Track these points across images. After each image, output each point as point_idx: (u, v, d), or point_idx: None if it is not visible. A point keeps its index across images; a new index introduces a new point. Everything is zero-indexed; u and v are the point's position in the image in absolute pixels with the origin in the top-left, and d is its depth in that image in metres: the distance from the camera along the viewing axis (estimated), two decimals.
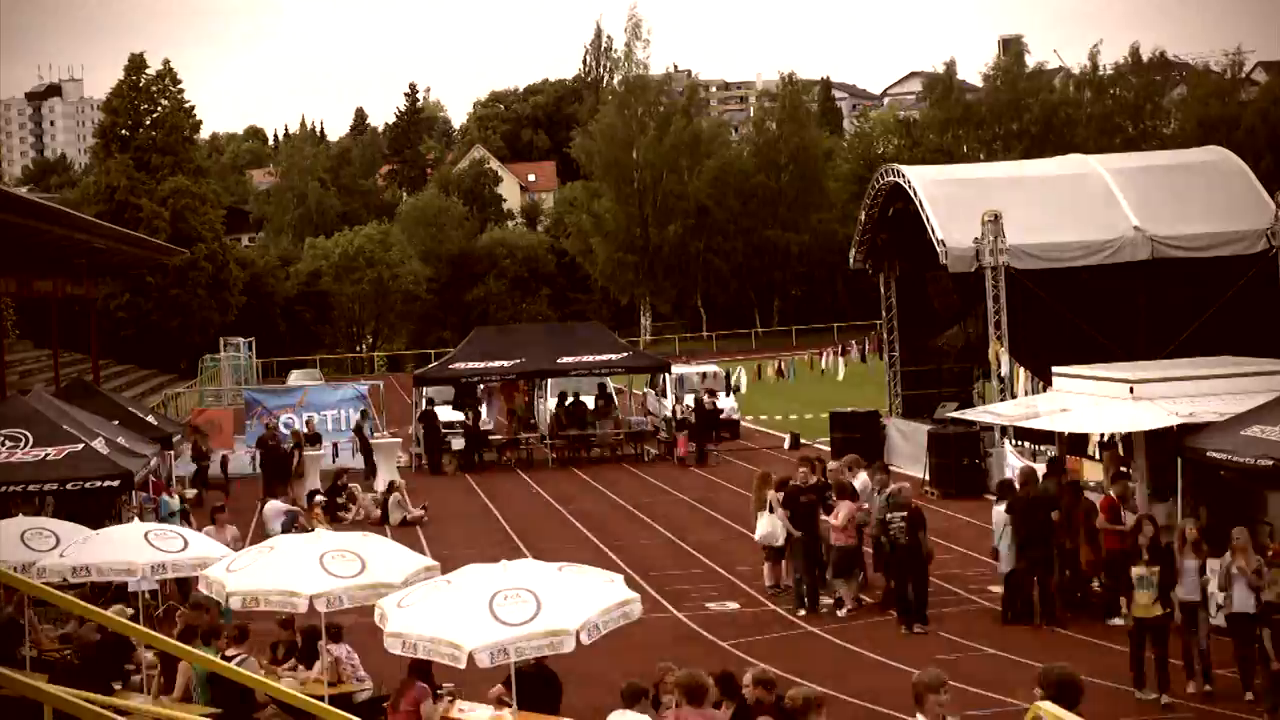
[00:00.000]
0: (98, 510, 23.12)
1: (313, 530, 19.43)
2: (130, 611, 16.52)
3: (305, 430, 37.31)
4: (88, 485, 22.03)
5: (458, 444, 39.39)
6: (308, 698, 9.62)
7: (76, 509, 22.02)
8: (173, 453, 30.51)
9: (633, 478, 36.21)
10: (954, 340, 36.63)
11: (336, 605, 14.31)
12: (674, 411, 39.68)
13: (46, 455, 22.22)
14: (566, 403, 40.71)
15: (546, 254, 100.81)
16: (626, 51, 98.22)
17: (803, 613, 20.61)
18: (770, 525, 21.43)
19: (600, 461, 39.24)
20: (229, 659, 13.87)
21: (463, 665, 11.83)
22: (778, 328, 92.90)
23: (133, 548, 16.17)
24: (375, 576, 14.18)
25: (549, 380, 41.82)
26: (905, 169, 35.01)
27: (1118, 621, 17.88)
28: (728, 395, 44.67)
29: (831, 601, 20.83)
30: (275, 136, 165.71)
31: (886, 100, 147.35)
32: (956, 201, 31.99)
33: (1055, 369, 24.16)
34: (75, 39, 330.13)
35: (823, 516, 20.79)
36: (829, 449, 37.28)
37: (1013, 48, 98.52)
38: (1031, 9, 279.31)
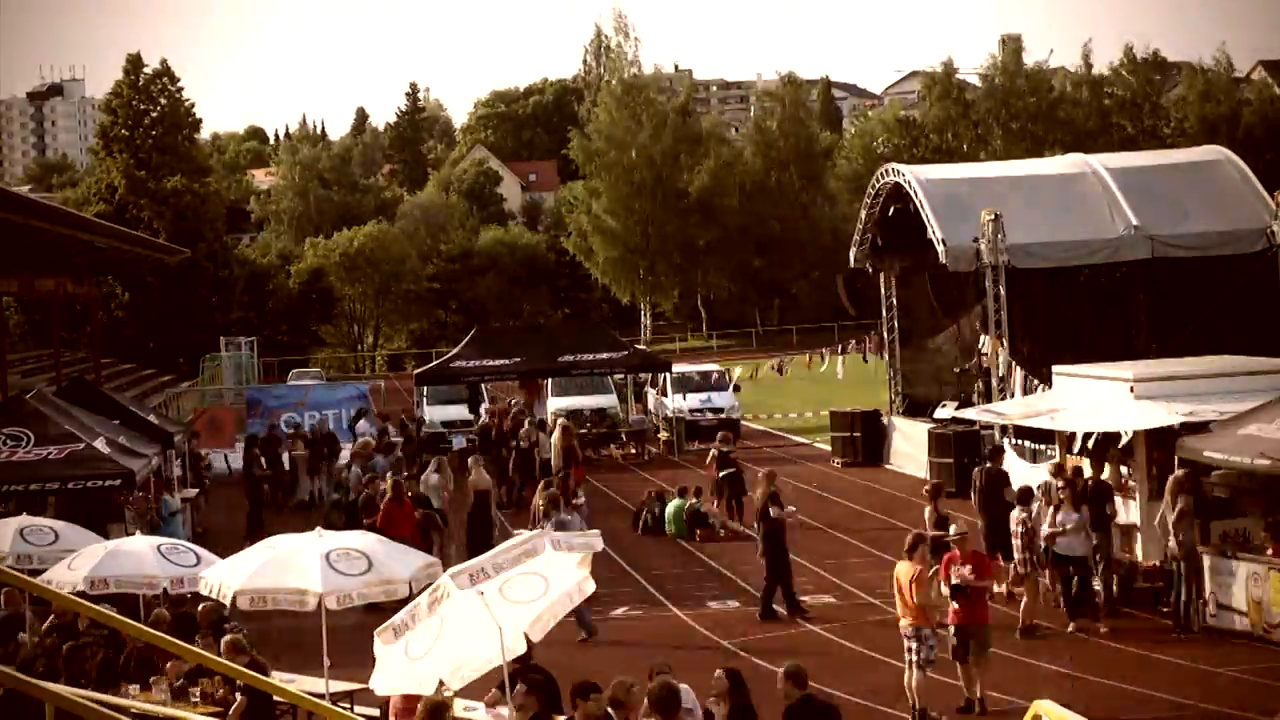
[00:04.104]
0: (99, 510, 23.18)
1: None
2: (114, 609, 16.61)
3: (318, 430, 37.00)
4: (89, 485, 22.06)
5: (458, 443, 39.40)
6: (308, 697, 9.68)
7: (78, 508, 22.08)
8: (173, 452, 30.52)
9: (634, 477, 36.19)
10: (943, 344, 36.63)
11: (347, 603, 14.37)
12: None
13: (48, 454, 22.26)
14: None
15: (547, 253, 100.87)
16: (619, 50, 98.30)
17: None
18: None
19: (600, 462, 39.24)
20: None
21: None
22: (778, 327, 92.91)
23: (149, 562, 16.27)
24: (383, 574, 14.22)
25: (549, 380, 41.86)
26: (905, 168, 34.98)
27: None
28: (721, 394, 44.70)
29: None
30: (275, 136, 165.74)
31: (886, 100, 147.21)
32: (956, 201, 31.98)
33: (1055, 368, 24.17)
34: (76, 39, 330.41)
35: None
36: (829, 448, 37.38)
37: (1011, 46, 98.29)
38: (1031, 8, 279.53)
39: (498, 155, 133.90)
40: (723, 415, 43.67)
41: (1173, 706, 15.93)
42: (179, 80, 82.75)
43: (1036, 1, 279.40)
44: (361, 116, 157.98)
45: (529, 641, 12.21)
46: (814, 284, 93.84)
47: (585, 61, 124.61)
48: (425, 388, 41.38)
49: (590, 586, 12.15)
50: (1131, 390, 20.56)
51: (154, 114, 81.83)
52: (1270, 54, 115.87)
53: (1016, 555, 19.76)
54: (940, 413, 33.38)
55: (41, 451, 22.29)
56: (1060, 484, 20.10)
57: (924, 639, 15.68)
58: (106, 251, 39.47)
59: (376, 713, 14.35)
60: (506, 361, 39.59)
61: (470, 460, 27.30)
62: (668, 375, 42.19)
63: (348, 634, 15.95)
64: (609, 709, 11.55)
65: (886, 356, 38.26)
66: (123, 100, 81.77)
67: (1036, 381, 27.31)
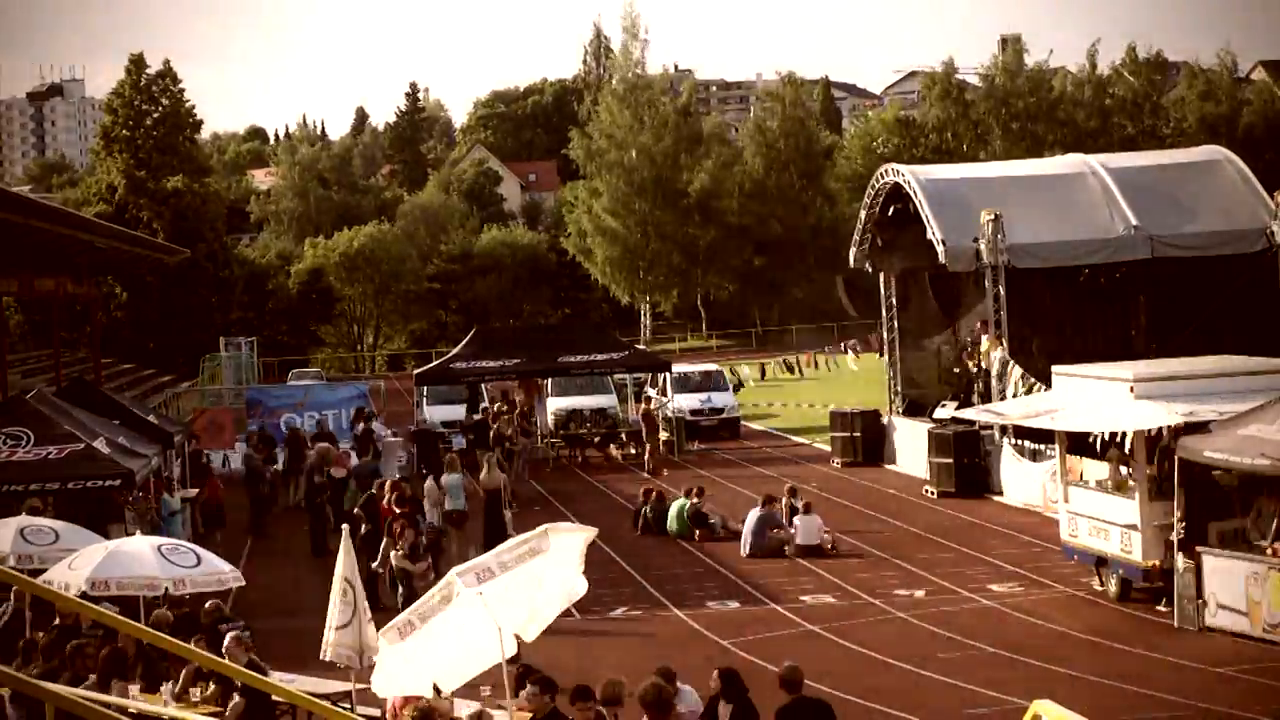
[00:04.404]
0: (99, 510, 23.17)
1: None
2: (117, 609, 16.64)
3: (316, 430, 37.01)
4: (89, 485, 22.05)
5: (458, 443, 39.37)
6: (308, 697, 9.67)
7: (78, 508, 22.07)
8: (173, 452, 30.51)
9: (634, 477, 36.17)
10: (943, 344, 36.64)
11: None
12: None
13: (48, 455, 22.25)
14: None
15: (547, 253, 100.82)
16: (624, 50, 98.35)
17: None
18: None
19: (599, 464, 39.25)
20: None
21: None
22: (778, 327, 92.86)
23: (149, 563, 16.31)
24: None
25: (549, 380, 41.84)
26: (905, 168, 34.99)
27: None
28: (721, 394, 44.70)
29: None
30: (275, 136, 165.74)
31: (886, 100, 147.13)
32: (956, 201, 31.99)
33: (1055, 368, 24.16)
34: (76, 39, 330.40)
35: None
36: (829, 448, 37.38)
37: (1011, 46, 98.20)
38: (1031, 8, 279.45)
39: (498, 155, 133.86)
40: (722, 415, 43.71)
41: (1173, 706, 15.93)
42: (180, 81, 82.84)
43: (1037, 1, 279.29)
44: (361, 116, 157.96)
45: (519, 641, 12.24)
46: (814, 284, 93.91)
47: (585, 62, 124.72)
48: (425, 388, 41.36)
49: (581, 588, 12.18)
50: (1131, 390, 20.55)
51: (155, 114, 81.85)
52: (1268, 53, 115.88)
53: None
54: (940, 413, 33.37)
55: (41, 451, 22.28)
56: None
57: None
58: (106, 251, 39.46)
59: (377, 713, 14.36)
60: (506, 362, 39.58)
61: (485, 458, 27.25)
62: (668, 375, 42.20)
63: None
64: (600, 708, 11.58)
65: (886, 356, 38.24)
66: (124, 100, 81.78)
67: (1035, 381, 27.30)
